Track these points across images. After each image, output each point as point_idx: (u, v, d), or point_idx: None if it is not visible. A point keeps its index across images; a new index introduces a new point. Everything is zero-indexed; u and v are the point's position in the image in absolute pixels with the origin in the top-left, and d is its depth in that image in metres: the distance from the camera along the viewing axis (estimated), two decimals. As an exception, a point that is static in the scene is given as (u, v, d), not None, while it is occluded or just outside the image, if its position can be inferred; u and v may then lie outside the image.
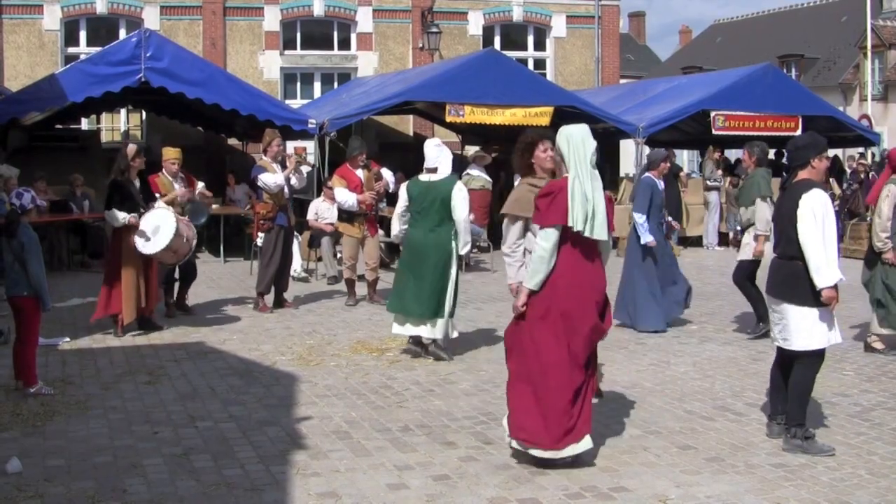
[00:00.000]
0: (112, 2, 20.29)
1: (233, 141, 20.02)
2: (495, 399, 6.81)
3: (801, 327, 5.58)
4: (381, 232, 12.41)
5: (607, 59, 23.50)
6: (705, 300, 11.30)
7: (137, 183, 9.16)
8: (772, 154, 19.60)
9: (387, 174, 11.37)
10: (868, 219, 15.70)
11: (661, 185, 9.32)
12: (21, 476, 5.17)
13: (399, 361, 8.05)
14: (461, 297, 9.00)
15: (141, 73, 13.66)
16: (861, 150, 21.01)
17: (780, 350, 5.83)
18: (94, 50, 17.23)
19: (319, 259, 13.62)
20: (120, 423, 6.23)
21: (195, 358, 8.18)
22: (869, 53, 33.85)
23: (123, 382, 7.31)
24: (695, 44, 53.08)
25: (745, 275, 9.18)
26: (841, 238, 5.91)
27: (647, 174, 9.39)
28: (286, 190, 10.49)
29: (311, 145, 15.77)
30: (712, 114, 17.02)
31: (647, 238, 9.14)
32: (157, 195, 9.57)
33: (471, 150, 18.34)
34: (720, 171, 17.65)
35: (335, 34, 21.90)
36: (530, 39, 23.18)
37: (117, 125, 21.38)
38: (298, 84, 21.75)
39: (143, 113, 20.55)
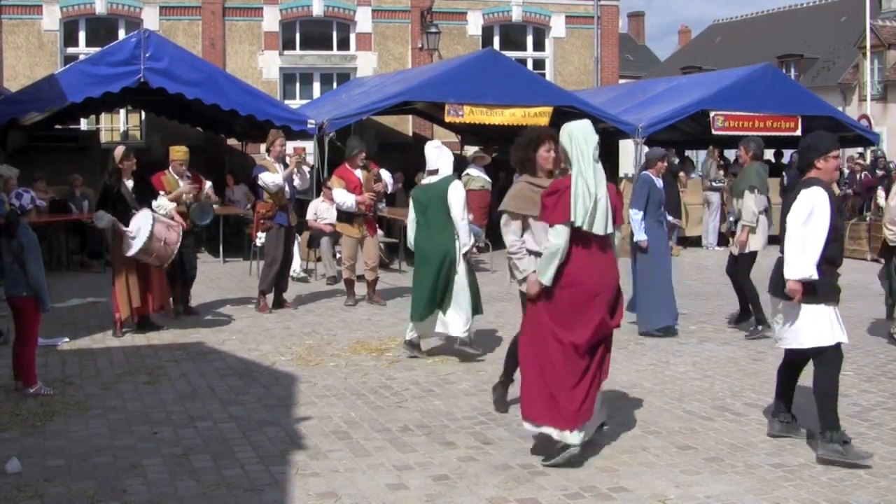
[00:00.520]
0: (111, 2, 20.29)
1: (232, 141, 20.02)
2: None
3: (806, 325, 5.48)
4: (380, 232, 12.42)
5: (606, 59, 23.50)
6: (704, 300, 11.30)
7: (130, 184, 9.18)
8: (770, 155, 19.71)
9: (385, 175, 11.37)
10: (868, 219, 15.78)
11: (659, 183, 9.32)
12: (20, 476, 5.17)
13: (398, 361, 8.05)
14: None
15: (140, 73, 13.65)
16: (860, 150, 21.03)
17: (789, 351, 5.74)
18: (94, 50, 17.22)
19: (319, 259, 13.63)
20: (120, 423, 6.23)
21: (195, 358, 8.18)
22: (868, 53, 33.85)
23: (123, 382, 7.31)
24: (694, 44, 53.09)
25: (741, 270, 9.23)
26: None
27: (644, 172, 9.43)
28: (286, 189, 10.49)
29: (310, 145, 15.76)
30: (712, 114, 17.02)
31: (640, 236, 9.14)
32: (161, 193, 9.61)
33: (470, 150, 18.33)
34: (721, 172, 17.65)
35: (334, 34, 21.89)
36: (529, 39, 23.18)
37: (116, 125, 21.38)
38: (298, 84, 21.74)
39: (143, 113, 20.55)
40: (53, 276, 11.01)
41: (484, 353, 8.17)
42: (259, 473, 5.26)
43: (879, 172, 18.99)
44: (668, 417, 6.38)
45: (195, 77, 14.10)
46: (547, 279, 5.38)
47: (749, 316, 9.33)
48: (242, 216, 15.54)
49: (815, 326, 5.47)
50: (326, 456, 5.56)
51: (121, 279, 8.98)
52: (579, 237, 5.35)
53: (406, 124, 21.85)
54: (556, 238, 5.34)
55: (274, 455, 5.57)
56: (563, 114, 15.81)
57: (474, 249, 8.18)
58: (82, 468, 5.33)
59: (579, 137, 5.42)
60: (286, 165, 10.52)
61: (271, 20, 21.13)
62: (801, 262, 5.37)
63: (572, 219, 5.28)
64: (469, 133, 18.74)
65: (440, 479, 5.19)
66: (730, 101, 17.12)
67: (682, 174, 17.00)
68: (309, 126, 14.79)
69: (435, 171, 8.11)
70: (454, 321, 7.98)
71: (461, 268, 8.01)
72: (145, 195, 9.30)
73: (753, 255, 9.23)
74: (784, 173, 17.98)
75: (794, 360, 5.81)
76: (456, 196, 7.95)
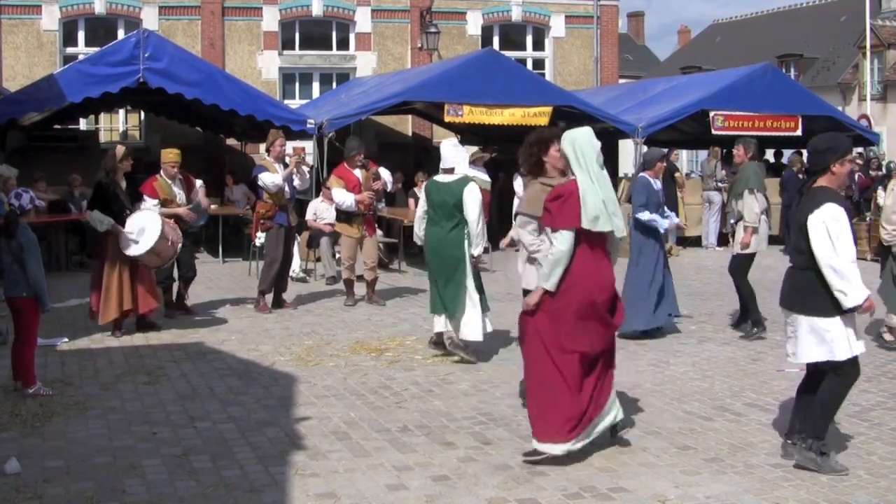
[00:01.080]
0: (110, 2, 20.27)
1: (231, 141, 20.01)
2: (494, 399, 6.83)
3: (818, 339, 5.25)
4: (379, 232, 12.42)
5: (606, 59, 23.48)
6: (704, 300, 11.31)
7: (124, 184, 9.15)
8: (770, 154, 19.70)
9: (385, 174, 11.36)
10: (868, 218, 15.77)
11: (656, 184, 9.29)
12: (20, 477, 5.17)
13: (398, 362, 8.05)
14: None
15: (139, 73, 13.64)
16: (860, 150, 21.01)
17: (810, 366, 5.49)
18: (93, 50, 17.21)
19: (318, 259, 13.63)
20: (119, 423, 6.23)
21: (194, 358, 8.18)
22: (868, 53, 33.84)
23: (122, 383, 7.31)
24: (694, 44, 53.08)
25: (740, 268, 9.23)
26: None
27: (642, 174, 9.36)
28: (286, 190, 10.49)
29: (309, 145, 15.75)
30: (711, 114, 17.01)
31: (664, 223, 9.08)
32: (146, 197, 9.51)
33: (469, 150, 18.31)
34: (724, 172, 17.59)
35: (334, 34, 21.88)
36: (529, 39, 23.16)
37: (116, 125, 21.37)
38: (297, 84, 21.73)
39: (142, 113, 20.54)
40: (53, 277, 11.00)
41: (483, 354, 8.16)
42: (258, 474, 5.26)
43: (873, 173, 18.98)
44: (667, 418, 6.38)
45: (194, 77, 14.10)
46: (551, 285, 5.39)
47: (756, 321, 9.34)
48: (242, 216, 15.54)
49: (830, 339, 5.22)
50: (326, 456, 5.56)
51: (112, 281, 8.88)
52: (582, 241, 5.37)
53: (405, 124, 21.84)
54: (561, 244, 5.37)
55: (273, 455, 5.57)
56: (563, 114, 15.85)
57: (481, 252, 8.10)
58: (81, 469, 5.33)
59: (583, 143, 5.47)
60: (286, 165, 10.52)
61: (271, 20, 21.12)
62: (854, 289, 5.12)
63: (584, 224, 5.31)
64: (468, 133, 18.71)
65: (440, 479, 5.19)
66: (730, 100, 17.10)
67: (678, 175, 16.95)
68: (308, 126, 14.78)
69: (450, 170, 8.09)
70: (469, 326, 7.93)
71: (468, 271, 7.98)
72: (134, 196, 9.28)
73: (752, 255, 9.23)
74: (784, 173, 17.97)
75: (814, 376, 5.49)
76: (472, 198, 7.93)
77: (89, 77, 13.70)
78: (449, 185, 8.02)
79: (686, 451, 5.67)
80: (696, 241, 17.69)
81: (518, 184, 12.76)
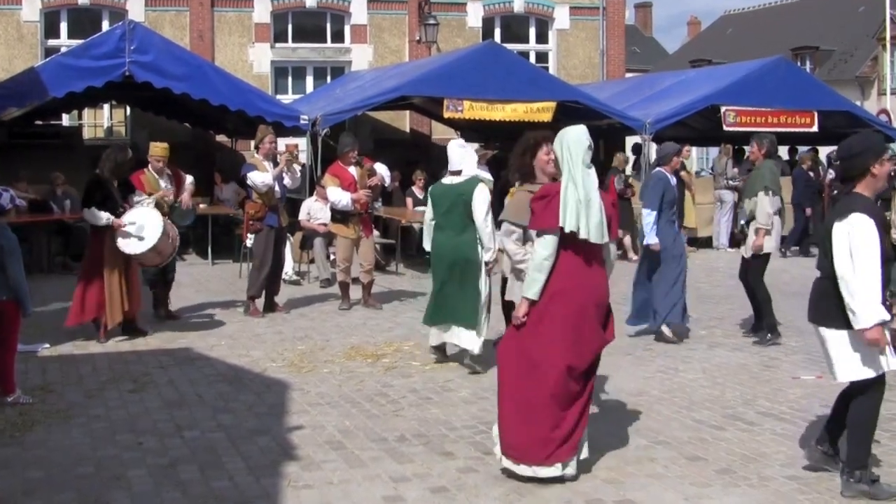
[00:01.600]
0: (95, -8, 20.30)
1: (222, 138, 20.02)
2: (495, 407, 6.76)
3: (841, 354, 5.09)
4: (375, 233, 12.41)
5: (612, 51, 23.50)
6: (715, 304, 11.31)
7: (115, 182, 9.21)
8: (785, 152, 19.68)
9: (381, 169, 11.31)
10: (887, 217, 15.78)
11: (673, 180, 9.29)
12: (-1, 488, 5.18)
13: (395, 368, 8.05)
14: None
15: (125, 66, 13.65)
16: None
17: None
18: (76, 42, 17.17)
19: (312, 261, 13.63)
20: (103, 432, 6.22)
21: (182, 364, 8.19)
22: (888, 45, 33.86)
23: (107, 390, 7.31)
24: (704, 36, 53.17)
25: (756, 271, 9.19)
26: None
27: (658, 169, 9.32)
28: (277, 189, 10.49)
29: (303, 142, 15.77)
30: (722, 109, 17.02)
31: (651, 239, 9.09)
32: (136, 192, 9.57)
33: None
34: (736, 169, 17.55)
35: (328, 26, 21.90)
36: (532, 32, 23.19)
37: (100, 121, 21.39)
38: (290, 78, 21.75)
39: (128, 109, 20.55)
40: (35, 279, 10.99)
41: (483, 361, 8.15)
42: (249, 485, 5.26)
43: (893, 172, 18.97)
44: (676, 427, 6.38)
45: (183, 71, 14.11)
46: (533, 293, 5.27)
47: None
48: (232, 216, 15.55)
49: (854, 354, 5.05)
50: (320, 467, 5.55)
51: (111, 282, 8.95)
52: (569, 246, 5.26)
53: (403, 120, 21.85)
54: (543, 248, 5.26)
55: (265, 466, 5.57)
56: (567, 109, 15.85)
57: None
58: (63, 480, 5.33)
59: (570, 141, 5.37)
60: (276, 163, 10.52)
61: (262, 11, 21.13)
62: (863, 311, 4.89)
63: (561, 224, 5.19)
64: (469, 129, 18.75)
65: (439, 490, 5.19)
66: (741, 95, 17.10)
67: (684, 173, 16.61)
68: (302, 122, 14.80)
69: (458, 172, 8.01)
70: (467, 335, 7.88)
71: (482, 278, 7.92)
72: (125, 190, 9.33)
73: (766, 257, 9.21)
74: (794, 171, 17.97)
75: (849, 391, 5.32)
76: (481, 200, 7.84)
77: (72, 71, 13.70)
78: (458, 186, 7.95)
79: (696, 462, 5.66)
80: (706, 242, 17.69)
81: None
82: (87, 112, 20.77)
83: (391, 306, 11.19)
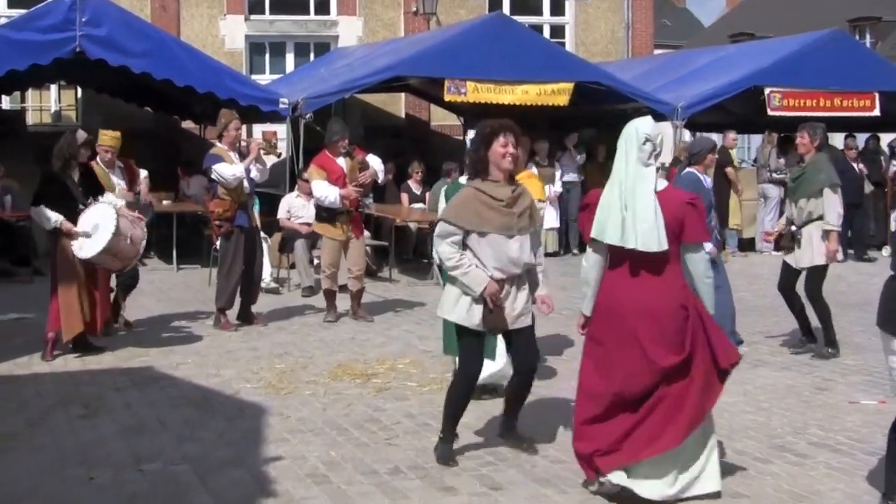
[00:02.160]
0: (41, -44, 20.31)
1: (189, 124, 20.04)
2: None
3: None
4: (366, 233, 12.40)
5: (639, 25, 23.54)
6: (759, 316, 11.28)
7: (76, 175, 9.15)
8: (840, 140, 19.62)
9: (374, 162, 11.28)
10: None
11: (707, 182, 9.20)
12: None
13: (388, 389, 8.04)
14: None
15: (76, 41, 13.64)
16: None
17: None
18: (18, 13, 17.21)
19: (292, 266, 13.62)
20: (49, 465, 6.20)
21: (142, 385, 8.17)
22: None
23: (53, 416, 7.29)
24: (745, 6, 53.19)
25: (814, 283, 9.15)
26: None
27: (689, 169, 9.24)
28: (246, 184, 10.45)
29: (282, 129, 15.78)
30: (766, 91, 16.98)
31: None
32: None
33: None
34: (782, 160, 17.46)
35: (311, -5, 21.95)
36: (546, 2, 23.23)
37: (47, 104, 21.42)
38: (267, 56, 21.80)
39: (79, 90, 20.57)
40: (-29, 287, 11.01)
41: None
42: (218, 526, 5.24)
43: None
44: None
45: (143, 47, 14.11)
46: (584, 308, 5.65)
47: (814, 338, 9.30)
48: (200, 214, 15.54)
49: None
50: (300, 504, 5.54)
51: (70, 290, 8.91)
52: (624, 257, 5.39)
53: (398, 104, 21.89)
54: (584, 260, 5.59)
55: (237, 502, 5.54)
56: (587, 91, 15.85)
57: None
58: (3, 519, 5.31)
59: (624, 136, 5.46)
60: (243, 156, 10.47)
61: (235, -22, 21.17)
62: None
63: (594, 235, 5.41)
64: (473, 115, 18.76)
65: (439, 532, 5.17)
66: (789, 75, 17.07)
67: (729, 169, 16.35)
68: (281, 106, 14.81)
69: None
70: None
71: None
72: (91, 190, 9.26)
73: (826, 266, 9.17)
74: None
75: None
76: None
77: (13, 45, 13.65)
78: None
79: (738, 500, 5.63)
80: (749, 244, 17.65)
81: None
82: (30, 93, 20.81)
83: (384, 318, 11.19)
